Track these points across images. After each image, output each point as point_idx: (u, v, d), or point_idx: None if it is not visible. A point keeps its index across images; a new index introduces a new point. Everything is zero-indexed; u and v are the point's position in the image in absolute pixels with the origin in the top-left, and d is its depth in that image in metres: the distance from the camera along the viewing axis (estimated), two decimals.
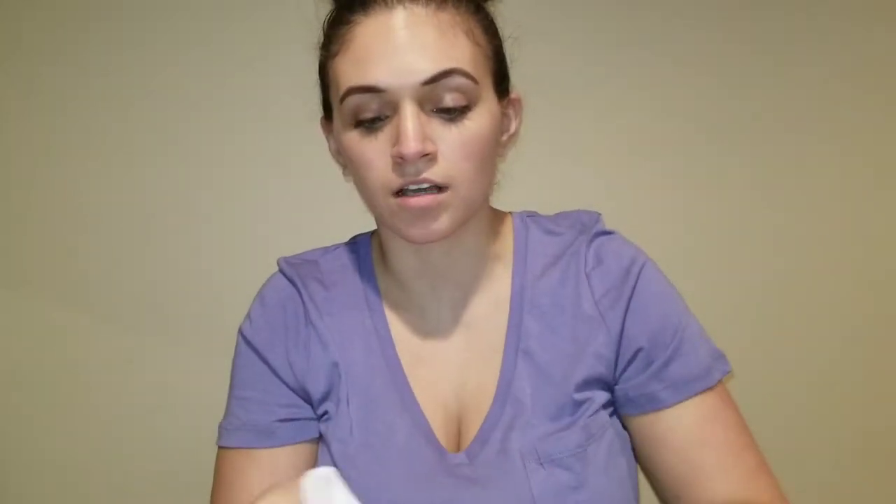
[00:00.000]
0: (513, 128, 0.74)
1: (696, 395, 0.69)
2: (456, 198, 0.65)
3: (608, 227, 0.77)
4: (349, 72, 0.65)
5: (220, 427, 0.74)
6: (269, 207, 1.16)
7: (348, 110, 0.65)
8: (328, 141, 0.75)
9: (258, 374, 0.74)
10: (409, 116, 0.62)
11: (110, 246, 1.14)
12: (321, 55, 0.71)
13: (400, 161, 0.63)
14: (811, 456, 1.23)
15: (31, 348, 1.13)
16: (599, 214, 0.78)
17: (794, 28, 1.22)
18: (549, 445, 0.66)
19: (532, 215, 0.79)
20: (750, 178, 1.23)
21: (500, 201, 0.78)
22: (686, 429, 0.68)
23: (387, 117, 0.64)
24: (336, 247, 0.81)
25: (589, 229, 0.75)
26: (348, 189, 0.74)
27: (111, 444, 1.14)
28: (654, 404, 0.69)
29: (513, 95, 0.72)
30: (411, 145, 0.61)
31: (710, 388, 0.69)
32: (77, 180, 1.13)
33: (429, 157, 0.63)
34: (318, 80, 0.73)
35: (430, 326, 0.74)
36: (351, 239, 0.82)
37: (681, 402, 0.68)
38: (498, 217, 0.77)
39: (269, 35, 1.14)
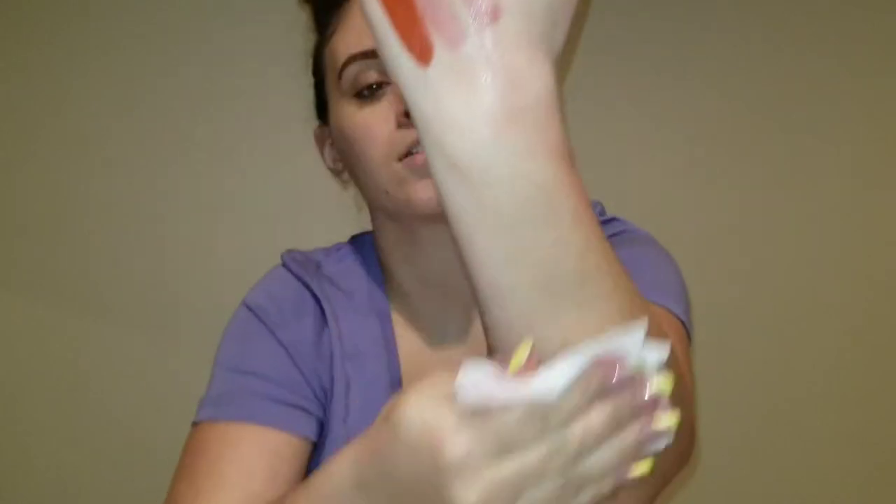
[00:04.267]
0: None
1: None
2: None
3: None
4: (349, 42, 0.63)
5: (206, 399, 0.65)
6: (271, 209, 1.16)
7: (348, 81, 0.63)
8: (322, 154, 0.73)
9: (272, 351, 0.65)
10: None
11: (111, 246, 1.13)
12: (316, 43, 0.69)
13: (406, 120, 0.60)
14: (810, 454, 1.23)
15: (32, 348, 1.12)
16: (597, 202, 0.73)
17: (793, 26, 1.22)
18: None
19: None
20: (748, 179, 1.23)
21: None
22: None
23: (388, 85, 0.62)
24: (338, 248, 0.75)
25: None
26: (348, 190, 0.74)
27: (111, 444, 1.14)
28: None
29: None
30: None
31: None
32: (77, 181, 1.13)
33: None
34: (313, 79, 0.71)
35: (435, 340, 0.70)
36: (351, 240, 0.77)
37: None
38: None
39: (271, 35, 1.14)
